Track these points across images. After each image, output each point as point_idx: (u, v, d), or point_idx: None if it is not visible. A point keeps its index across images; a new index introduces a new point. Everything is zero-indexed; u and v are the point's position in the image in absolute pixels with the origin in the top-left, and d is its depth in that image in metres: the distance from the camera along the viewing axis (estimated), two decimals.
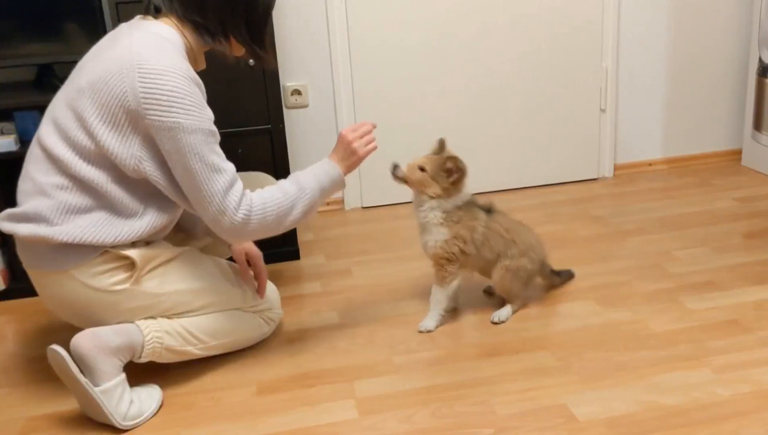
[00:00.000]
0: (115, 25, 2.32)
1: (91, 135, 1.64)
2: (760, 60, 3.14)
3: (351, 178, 3.09)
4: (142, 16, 1.77)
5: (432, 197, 2.02)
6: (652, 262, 2.42)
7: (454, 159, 2.00)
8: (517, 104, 3.14)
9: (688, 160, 3.41)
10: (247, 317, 1.94)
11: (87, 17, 2.41)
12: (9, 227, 1.72)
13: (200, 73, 1.75)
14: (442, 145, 2.08)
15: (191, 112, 1.62)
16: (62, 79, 2.38)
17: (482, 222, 2.06)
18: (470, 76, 3.06)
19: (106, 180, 1.67)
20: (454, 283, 2.08)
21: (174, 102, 1.60)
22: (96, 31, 2.42)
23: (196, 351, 1.86)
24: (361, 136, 1.89)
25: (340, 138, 1.89)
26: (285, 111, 2.90)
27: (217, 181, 1.66)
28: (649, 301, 2.17)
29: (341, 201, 3.14)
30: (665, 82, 3.28)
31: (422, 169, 2.01)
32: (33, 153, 1.74)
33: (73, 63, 2.44)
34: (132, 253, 1.71)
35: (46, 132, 1.71)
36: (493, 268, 2.09)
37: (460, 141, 3.13)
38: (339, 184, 1.88)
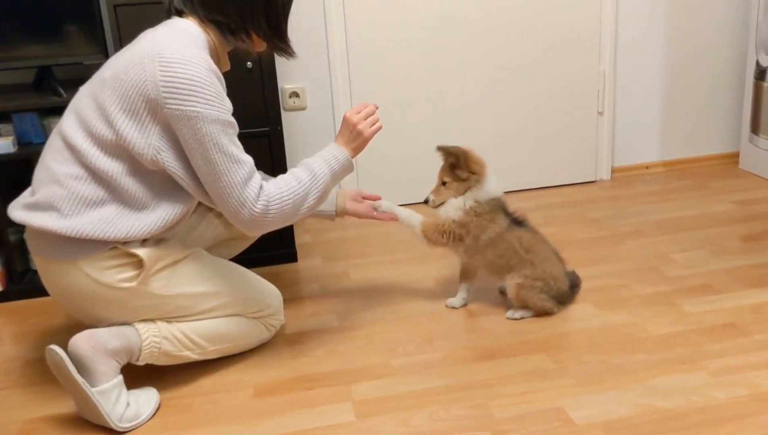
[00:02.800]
0: (113, 27, 2.33)
1: (110, 125, 1.65)
2: (758, 63, 3.14)
3: (349, 181, 3.09)
4: (166, 15, 1.79)
5: (468, 190, 2.06)
6: (650, 265, 2.43)
7: (446, 151, 2.05)
8: (515, 107, 3.14)
9: (686, 163, 3.42)
10: (248, 323, 1.94)
11: (86, 19, 2.41)
12: (22, 216, 1.72)
13: None
14: (442, 150, 2.09)
15: (211, 102, 1.63)
16: (61, 82, 2.41)
17: (499, 227, 2.07)
18: (468, 78, 3.07)
19: (122, 172, 1.68)
20: (429, 246, 2.12)
21: (194, 91, 1.61)
22: (95, 33, 2.42)
23: (193, 356, 1.86)
24: (366, 117, 1.89)
25: (345, 120, 1.88)
26: (283, 113, 2.90)
27: (236, 172, 1.67)
28: (647, 304, 2.17)
29: None
30: (663, 85, 3.29)
31: (444, 183, 2.07)
32: (52, 143, 1.75)
33: (71, 65, 2.46)
34: (141, 251, 1.72)
35: (68, 122, 1.73)
36: (505, 276, 2.10)
37: (458, 143, 3.13)
38: (348, 167, 1.88)
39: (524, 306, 2.11)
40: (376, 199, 2.18)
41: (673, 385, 1.76)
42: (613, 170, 3.34)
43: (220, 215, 2.12)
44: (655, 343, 1.95)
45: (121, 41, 2.32)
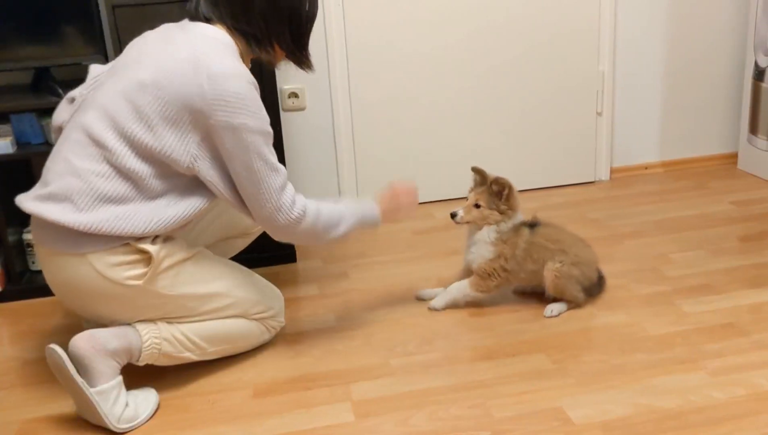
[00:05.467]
0: (112, 27, 2.33)
1: (151, 130, 1.67)
2: (756, 63, 3.15)
3: (348, 181, 3.09)
4: (189, 18, 1.81)
5: (494, 223, 2.11)
6: (648, 265, 2.43)
7: (496, 180, 2.11)
8: (515, 107, 3.14)
9: (685, 164, 3.42)
10: (249, 325, 1.94)
11: (84, 20, 2.41)
12: (34, 207, 1.71)
13: None
14: (480, 173, 2.16)
15: (256, 114, 1.70)
16: (59, 82, 2.41)
17: (525, 237, 2.12)
18: (467, 79, 3.07)
19: (151, 174, 1.70)
20: (483, 296, 2.17)
21: (241, 104, 1.67)
22: (93, 34, 2.42)
23: (193, 357, 1.86)
24: (412, 202, 2.05)
25: (394, 193, 2.03)
26: (282, 114, 2.90)
27: (275, 179, 1.75)
28: (645, 304, 2.17)
29: None
30: (662, 86, 3.29)
31: (477, 206, 2.11)
32: (71, 136, 1.75)
33: (70, 65, 2.46)
34: (150, 248, 1.72)
35: (92, 118, 1.72)
36: (541, 274, 2.12)
37: (457, 144, 3.14)
38: (373, 226, 1.99)
39: (560, 296, 2.12)
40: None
41: (672, 384, 1.76)
42: (612, 171, 3.34)
43: (220, 215, 2.12)
44: (654, 343, 1.96)
45: (120, 42, 2.32)
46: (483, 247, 2.13)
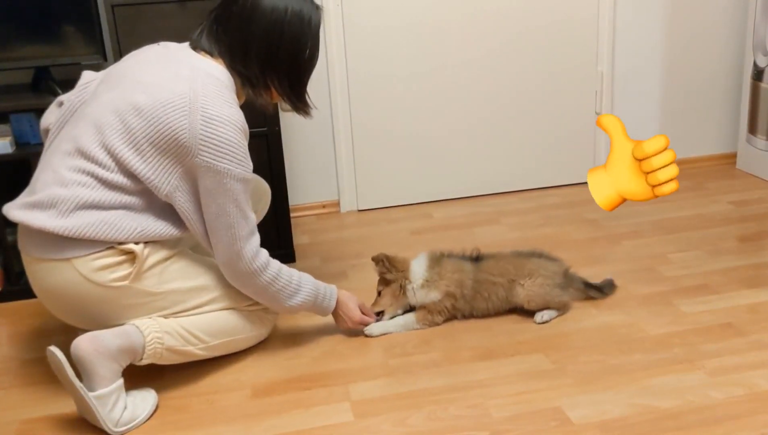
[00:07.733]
0: (111, 27, 2.33)
1: (138, 152, 1.70)
2: (755, 64, 3.15)
3: (348, 181, 3.10)
4: (191, 45, 1.83)
5: (404, 292, 2.08)
6: (646, 265, 2.43)
7: (375, 262, 2.11)
8: (514, 107, 3.14)
9: (683, 164, 3.41)
10: (244, 316, 1.95)
11: (83, 20, 2.41)
12: (19, 215, 1.73)
13: None
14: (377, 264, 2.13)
15: (241, 162, 1.74)
16: (59, 82, 2.41)
17: (470, 274, 2.08)
18: (466, 78, 3.07)
19: (133, 190, 1.73)
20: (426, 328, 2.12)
21: (228, 151, 1.71)
22: (92, 34, 2.42)
23: (197, 351, 1.86)
24: (361, 322, 2.06)
25: (358, 306, 2.06)
26: (281, 114, 2.90)
27: (244, 226, 1.78)
28: (643, 304, 2.17)
29: (337, 203, 3.14)
30: (660, 86, 3.29)
31: (379, 293, 2.11)
32: (61, 146, 1.76)
33: (69, 65, 2.46)
34: (135, 247, 1.73)
35: (83, 129, 1.74)
36: (494, 307, 2.10)
37: (456, 144, 3.14)
38: (323, 311, 2.00)
39: (542, 307, 2.09)
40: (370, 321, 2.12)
41: (670, 385, 1.77)
42: None
43: None
44: (652, 343, 1.96)
45: (119, 42, 2.32)
46: (424, 297, 2.07)
